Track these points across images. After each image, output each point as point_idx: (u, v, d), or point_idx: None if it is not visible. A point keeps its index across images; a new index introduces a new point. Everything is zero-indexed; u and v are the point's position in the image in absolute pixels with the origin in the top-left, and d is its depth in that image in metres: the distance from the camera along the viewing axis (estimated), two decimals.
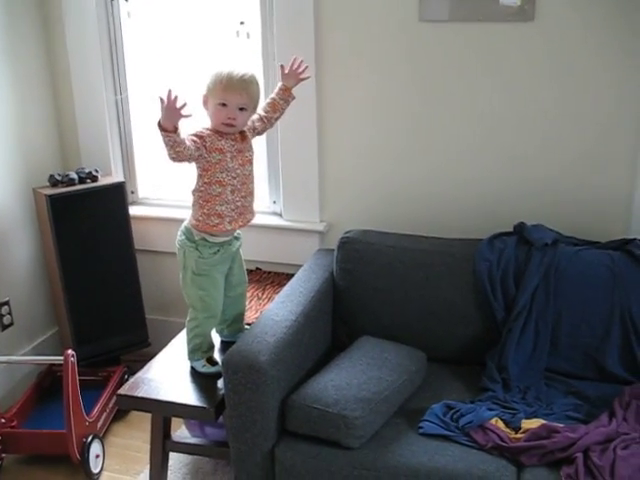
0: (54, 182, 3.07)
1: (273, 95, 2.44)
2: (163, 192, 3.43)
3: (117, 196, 3.13)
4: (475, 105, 2.74)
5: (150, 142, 3.38)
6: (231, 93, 2.21)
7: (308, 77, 2.44)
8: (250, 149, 2.36)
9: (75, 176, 3.08)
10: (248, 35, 3.15)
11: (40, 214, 3.13)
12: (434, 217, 2.88)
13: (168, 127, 2.12)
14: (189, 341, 2.46)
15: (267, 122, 2.43)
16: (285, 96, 2.42)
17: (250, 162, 2.36)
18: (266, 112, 2.42)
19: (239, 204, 2.34)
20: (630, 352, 2.44)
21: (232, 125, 2.25)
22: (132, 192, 3.40)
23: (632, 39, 2.51)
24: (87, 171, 3.11)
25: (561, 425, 2.16)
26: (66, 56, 3.20)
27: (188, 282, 2.38)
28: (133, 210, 3.28)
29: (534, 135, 2.71)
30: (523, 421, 2.21)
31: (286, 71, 2.40)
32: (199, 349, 2.43)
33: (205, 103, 2.28)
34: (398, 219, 2.88)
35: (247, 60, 3.04)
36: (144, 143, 3.38)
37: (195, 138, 2.23)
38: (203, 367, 2.42)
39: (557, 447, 2.08)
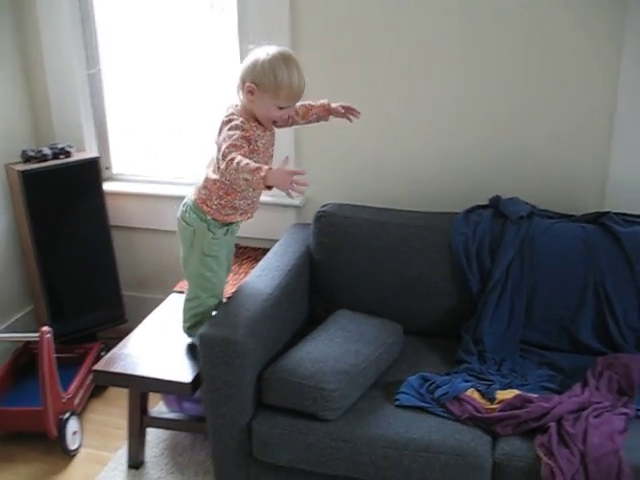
0: (27, 158, 3.03)
1: (312, 104, 2.37)
2: (138, 168, 3.39)
3: (91, 172, 3.10)
4: (452, 81, 2.73)
5: (124, 117, 3.35)
6: (293, 100, 2.19)
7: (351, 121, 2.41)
8: (273, 144, 2.34)
9: (48, 152, 3.03)
10: (223, 9, 3.12)
11: (13, 190, 3.08)
12: (411, 191, 2.88)
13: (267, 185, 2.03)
14: (188, 319, 2.43)
15: (290, 122, 2.37)
16: (321, 115, 2.39)
17: (272, 157, 2.33)
18: (295, 113, 2.35)
19: (255, 199, 2.34)
20: (603, 324, 2.47)
21: (278, 123, 2.24)
22: (107, 168, 3.37)
23: (611, 11, 2.51)
24: (60, 147, 3.06)
25: (535, 395, 2.19)
26: (37, 29, 3.13)
27: (195, 262, 2.34)
28: (108, 186, 3.24)
29: (510, 110, 2.71)
30: (498, 392, 2.23)
31: (342, 110, 2.37)
32: (199, 324, 2.37)
33: (251, 92, 2.15)
34: (375, 193, 2.88)
35: (222, 36, 3.00)
36: (118, 118, 3.34)
37: (245, 145, 2.15)
38: None
39: (531, 417, 2.11)
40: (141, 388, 2.45)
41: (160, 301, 2.82)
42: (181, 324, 2.47)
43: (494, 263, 2.54)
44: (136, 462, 2.64)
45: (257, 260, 2.79)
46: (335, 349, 2.30)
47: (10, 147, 3.12)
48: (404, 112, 2.83)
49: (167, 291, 2.92)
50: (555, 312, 2.50)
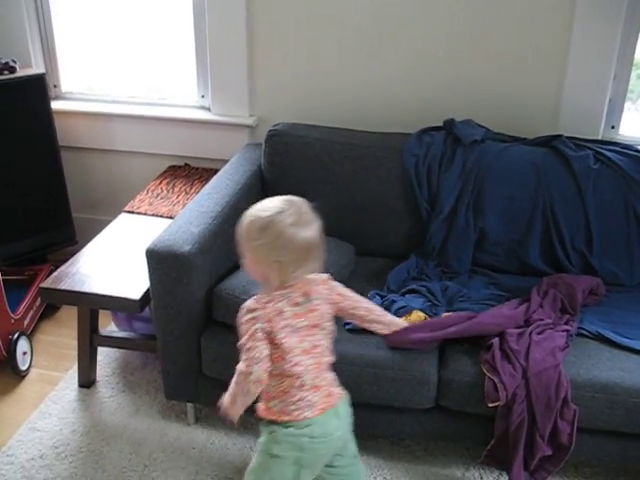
0: None
1: (375, 320, 2.02)
2: (88, 86, 3.29)
3: (37, 89, 2.98)
4: (410, 3, 2.67)
5: (73, 32, 3.22)
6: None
7: None
8: None
9: None
10: None
11: None
12: (365, 111, 2.85)
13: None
14: None
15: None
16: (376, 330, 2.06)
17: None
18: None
19: None
20: (550, 246, 2.52)
21: None
22: (55, 86, 3.26)
23: None
24: (3, 61, 2.94)
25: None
26: None
27: None
28: (56, 105, 3.14)
29: (466, 33, 2.68)
30: (443, 315, 2.25)
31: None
32: None
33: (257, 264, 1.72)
34: (328, 114, 2.84)
35: None
36: (66, 33, 3.21)
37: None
38: None
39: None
40: (89, 305, 2.44)
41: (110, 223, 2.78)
42: None
43: (444, 187, 2.54)
44: (87, 381, 2.64)
45: (208, 181, 2.75)
46: None
47: None
48: (361, 33, 2.77)
49: (118, 212, 2.87)
50: (504, 236, 2.53)
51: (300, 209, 1.68)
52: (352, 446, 1.87)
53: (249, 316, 1.68)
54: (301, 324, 1.70)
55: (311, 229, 1.68)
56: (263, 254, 1.66)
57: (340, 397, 1.79)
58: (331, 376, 1.79)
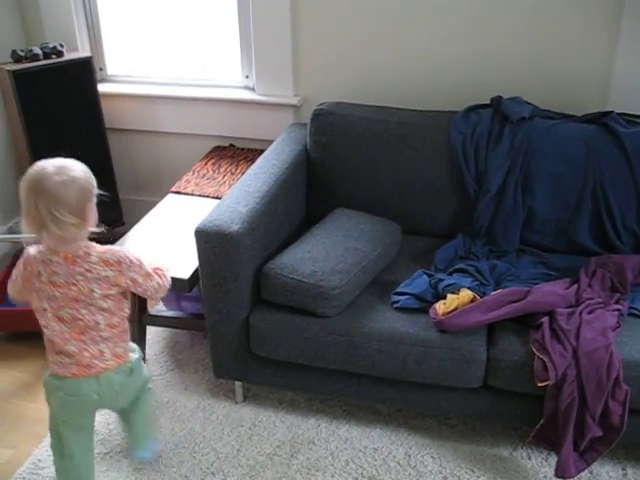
0: (17, 58, 2.95)
1: None
2: (133, 69, 3.31)
3: (84, 72, 3.04)
4: None
5: (118, 16, 3.25)
6: None
7: None
8: None
9: (39, 51, 2.96)
10: None
11: (4, 91, 3.01)
12: (410, 90, 2.82)
13: None
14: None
15: None
16: None
17: None
18: None
19: None
20: (600, 225, 2.47)
21: None
22: (100, 69, 3.29)
23: None
24: (52, 46, 2.99)
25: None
26: None
27: None
28: (102, 87, 3.18)
29: (514, 7, 2.62)
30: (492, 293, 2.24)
31: None
32: None
33: (91, 213, 1.79)
34: (373, 93, 2.82)
35: None
36: (112, 17, 3.24)
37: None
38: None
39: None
40: None
41: (157, 203, 2.81)
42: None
43: (492, 166, 2.51)
44: None
45: (254, 161, 2.76)
46: (335, 247, 2.30)
47: None
48: (408, 11, 2.73)
49: (164, 193, 2.90)
50: (554, 214, 2.49)
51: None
52: (129, 400, 2.00)
53: None
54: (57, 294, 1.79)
55: None
56: None
57: (100, 372, 1.85)
58: (98, 350, 1.84)
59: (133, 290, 1.87)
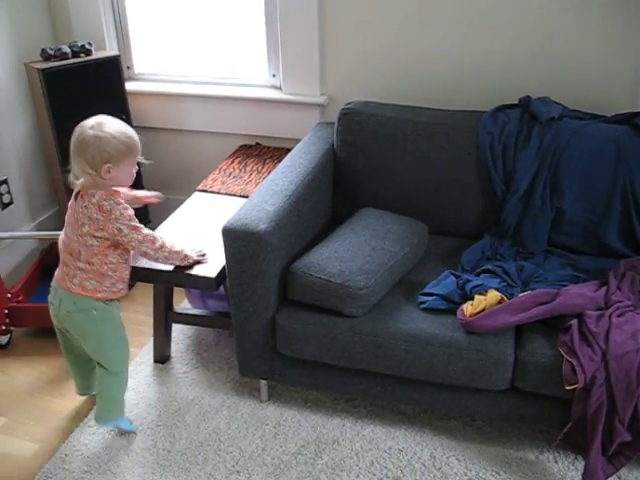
0: (46, 56, 2.97)
1: None
2: (160, 68, 3.33)
3: (113, 70, 3.05)
4: None
5: (146, 16, 3.27)
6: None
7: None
8: None
9: (68, 50, 2.98)
10: None
11: (34, 89, 3.04)
12: (437, 89, 2.81)
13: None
14: (116, 401, 2.37)
15: None
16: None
17: None
18: None
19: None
20: (630, 227, 2.44)
21: None
22: (128, 68, 3.31)
23: None
24: (80, 44, 3.01)
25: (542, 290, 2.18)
26: None
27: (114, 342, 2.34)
28: (130, 86, 3.20)
29: (544, 6, 2.60)
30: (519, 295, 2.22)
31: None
32: (122, 406, 2.40)
33: (108, 172, 2.05)
34: (400, 92, 2.81)
35: None
36: (139, 17, 3.25)
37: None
38: (131, 424, 2.43)
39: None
40: (166, 283, 2.48)
41: (183, 202, 2.82)
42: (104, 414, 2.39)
43: (520, 166, 2.49)
44: (162, 357, 2.71)
45: (280, 159, 2.76)
46: (362, 247, 2.30)
47: (28, 45, 3.07)
48: (435, 10, 2.72)
49: (190, 192, 2.91)
50: (582, 215, 2.47)
51: None
52: (79, 338, 2.28)
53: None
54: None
55: None
56: None
57: (66, 288, 2.19)
58: (72, 273, 2.16)
59: (119, 239, 2.11)
